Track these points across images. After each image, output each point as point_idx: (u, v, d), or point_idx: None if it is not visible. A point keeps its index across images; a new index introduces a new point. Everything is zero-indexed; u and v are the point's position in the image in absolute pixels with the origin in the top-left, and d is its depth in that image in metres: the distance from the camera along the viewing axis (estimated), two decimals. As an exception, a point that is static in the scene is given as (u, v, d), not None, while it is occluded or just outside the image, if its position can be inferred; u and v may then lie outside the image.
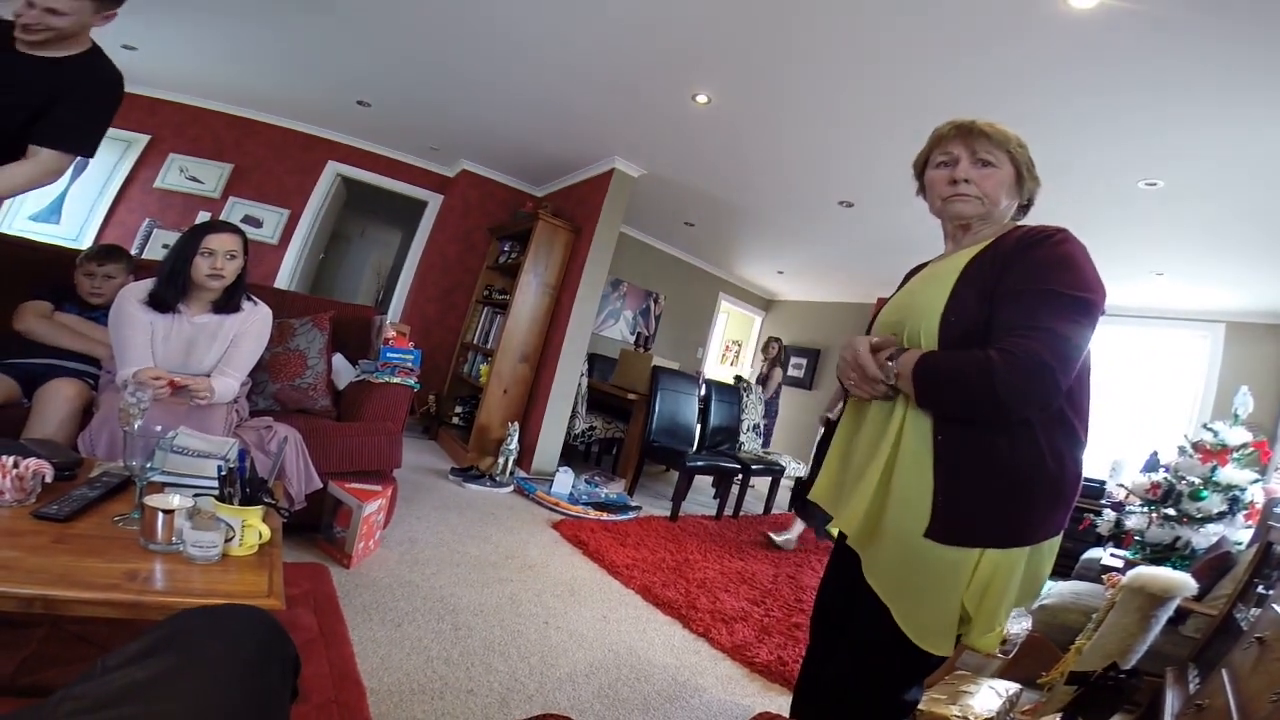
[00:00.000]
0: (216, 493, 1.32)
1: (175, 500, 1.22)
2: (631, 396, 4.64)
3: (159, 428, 1.44)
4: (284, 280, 5.18)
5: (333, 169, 5.37)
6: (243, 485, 1.36)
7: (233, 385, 2.07)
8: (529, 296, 4.61)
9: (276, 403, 2.47)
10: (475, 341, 5.10)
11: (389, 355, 2.75)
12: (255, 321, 2.15)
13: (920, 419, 1.05)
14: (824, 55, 2.68)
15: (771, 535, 3.04)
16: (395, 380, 2.72)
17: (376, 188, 5.61)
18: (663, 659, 2.02)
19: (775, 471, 4.62)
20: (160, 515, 1.17)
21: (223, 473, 1.36)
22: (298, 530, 2.17)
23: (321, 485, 2.16)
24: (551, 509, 3.58)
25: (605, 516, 3.62)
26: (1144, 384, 4.48)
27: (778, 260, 6.51)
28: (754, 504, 4.68)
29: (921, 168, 1.25)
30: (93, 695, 0.51)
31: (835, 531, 1.31)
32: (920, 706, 1.26)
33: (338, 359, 2.77)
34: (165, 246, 4.55)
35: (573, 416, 4.71)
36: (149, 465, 1.34)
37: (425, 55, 3.61)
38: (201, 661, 0.57)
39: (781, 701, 1.86)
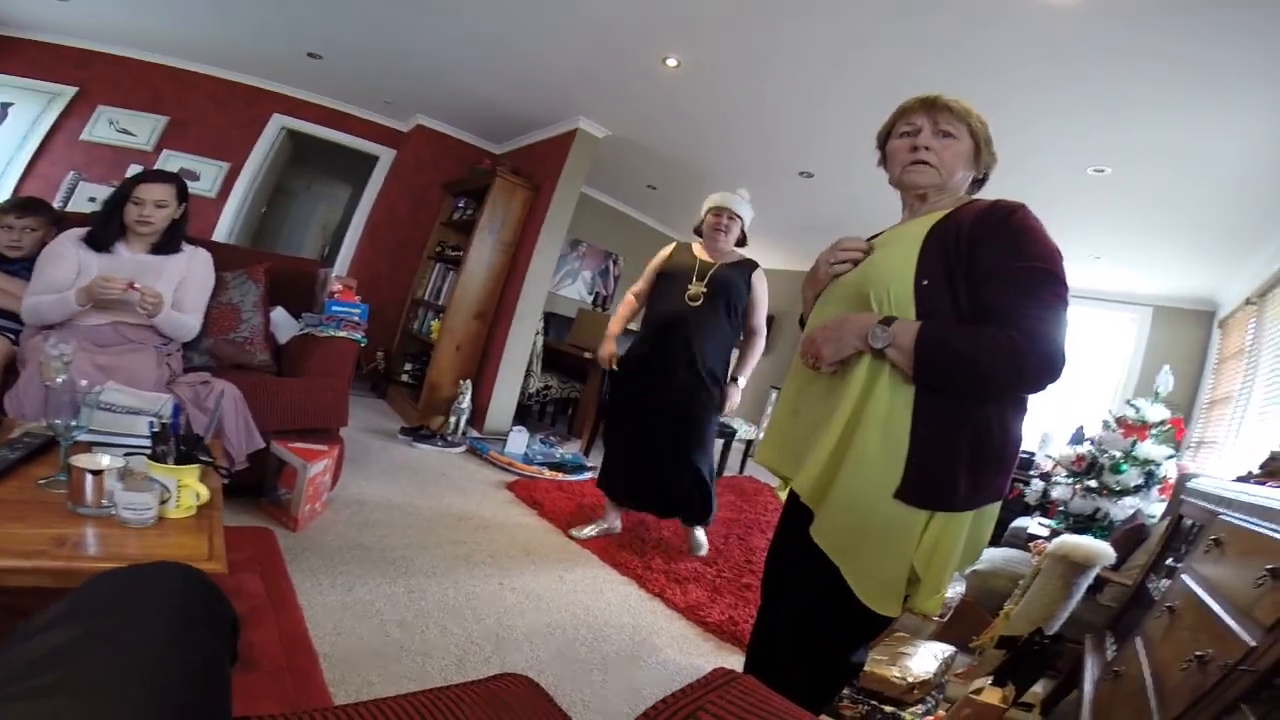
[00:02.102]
0: (149, 451, 1.25)
1: (105, 460, 1.15)
2: (588, 356, 4.60)
3: (84, 383, 1.33)
4: (222, 234, 4.96)
5: (278, 122, 5.18)
6: (178, 443, 1.29)
7: (193, 323, 2.14)
8: (484, 254, 4.48)
9: (212, 358, 2.33)
10: (426, 298, 4.95)
11: (334, 309, 2.63)
12: (198, 264, 2.19)
13: (898, 382, 1.05)
14: (798, 29, 2.66)
15: (572, 532, 2.68)
16: (341, 334, 2.61)
17: (325, 141, 5.40)
18: (619, 619, 2.05)
19: (727, 435, 4.70)
20: (89, 477, 1.10)
21: (155, 430, 1.28)
22: (240, 493, 2.08)
23: (263, 444, 2.07)
24: (505, 469, 3.55)
25: (560, 477, 3.61)
26: (1075, 361, 4.69)
27: (738, 226, 6.51)
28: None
29: (884, 139, 1.28)
30: (7, 666, 0.48)
31: (783, 495, 1.33)
32: (864, 668, 1.31)
33: (278, 312, 2.63)
34: (92, 200, 4.39)
35: (527, 375, 4.65)
36: (74, 424, 1.24)
37: (382, 6, 3.42)
38: (122, 624, 0.54)
39: (734, 660, 1.91)
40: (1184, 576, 1.29)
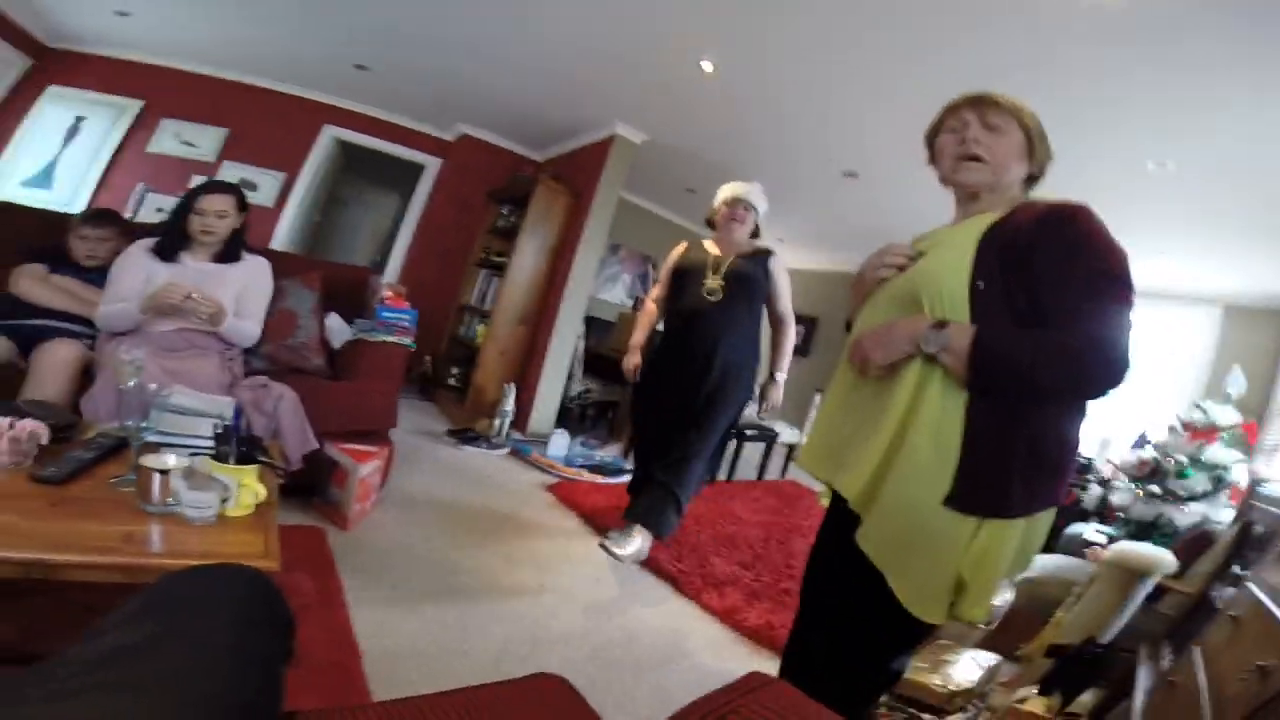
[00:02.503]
0: (212, 452, 1.31)
1: (171, 460, 1.20)
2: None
3: (154, 386, 1.42)
4: (280, 243, 5.16)
5: (329, 133, 5.37)
6: (238, 444, 1.34)
7: (253, 330, 2.23)
8: (527, 259, 4.57)
9: (271, 363, 2.45)
10: (472, 303, 5.07)
11: (384, 314, 2.73)
12: (258, 272, 2.30)
13: (950, 387, 1.02)
14: (834, 23, 2.61)
15: (610, 547, 2.23)
16: (391, 339, 2.71)
17: (373, 151, 5.58)
18: (653, 621, 2.06)
19: (768, 438, 4.65)
20: (156, 476, 1.16)
21: (218, 431, 1.35)
22: (294, 493, 2.17)
23: (318, 446, 2.16)
24: (546, 471, 3.61)
25: (600, 479, 3.65)
26: (1139, 362, 4.45)
27: (778, 228, 6.44)
28: (747, 470, 4.73)
29: (932, 136, 1.25)
30: (82, 659, 0.51)
31: (826, 501, 1.32)
32: (904, 675, 1.28)
33: (332, 318, 2.74)
34: (159, 210, 4.60)
35: (569, 379, 4.71)
36: (144, 425, 1.32)
37: (426, 18, 3.52)
38: (189, 623, 0.57)
39: (769, 666, 1.89)
40: (1251, 585, 1.23)
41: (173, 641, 0.54)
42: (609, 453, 4.18)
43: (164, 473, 1.17)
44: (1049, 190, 1.18)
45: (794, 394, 7.21)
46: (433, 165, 5.67)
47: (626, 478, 3.72)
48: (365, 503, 2.29)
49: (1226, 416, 2.95)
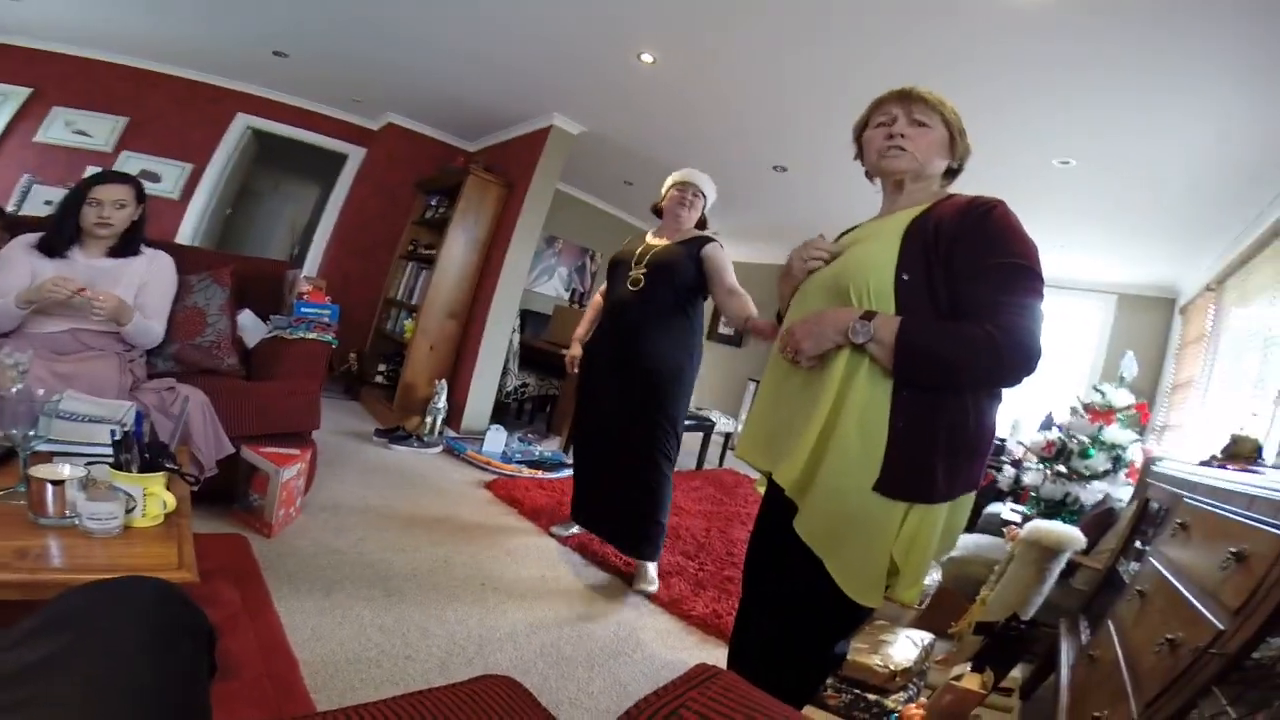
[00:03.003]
0: (112, 460, 1.21)
1: (65, 470, 1.11)
2: (564, 352, 4.54)
3: (41, 391, 1.29)
4: (186, 237, 4.84)
5: (242, 121, 5.07)
6: (142, 451, 1.26)
7: (157, 329, 2.08)
8: (457, 252, 4.43)
9: (177, 363, 2.27)
10: (399, 297, 4.88)
11: (303, 310, 2.58)
12: (159, 267, 2.13)
13: (877, 376, 1.06)
14: (769, 23, 2.66)
15: (553, 529, 2.61)
16: (311, 336, 2.56)
17: (292, 140, 5.30)
18: (602, 615, 2.04)
19: (705, 427, 4.71)
20: (49, 487, 1.07)
21: (117, 438, 1.25)
22: (211, 500, 2.03)
23: (233, 450, 2.02)
24: (483, 468, 3.52)
25: (540, 474, 3.59)
26: (1045, 349, 4.79)
27: (714, 222, 6.51)
28: (686, 460, 4.78)
29: (860, 130, 1.30)
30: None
31: (763, 489, 1.34)
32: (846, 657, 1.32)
33: (245, 315, 2.57)
34: (47, 203, 4.25)
35: (504, 374, 4.61)
36: (32, 433, 1.20)
37: (351, 3, 3.35)
38: (99, 638, 0.53)
39: (718, 653, 1.92)
40: (1152, 560, 1.31)
41: (84, 656, 0.50)
42: (548, 447, 4.12)
43: (58, 483, 1.07)
44: (965, 184, 1.25)
45: (728, 383, 7.37)
46: (356, 155, 5.43)
47: (567, 472, 3.69)
48: (289, 508, 2.16)
49: (1122, 398, 3.20)
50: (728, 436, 5.23)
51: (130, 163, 4.64)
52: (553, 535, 2.62)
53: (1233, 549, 0.88)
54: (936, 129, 1.20)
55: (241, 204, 5.90)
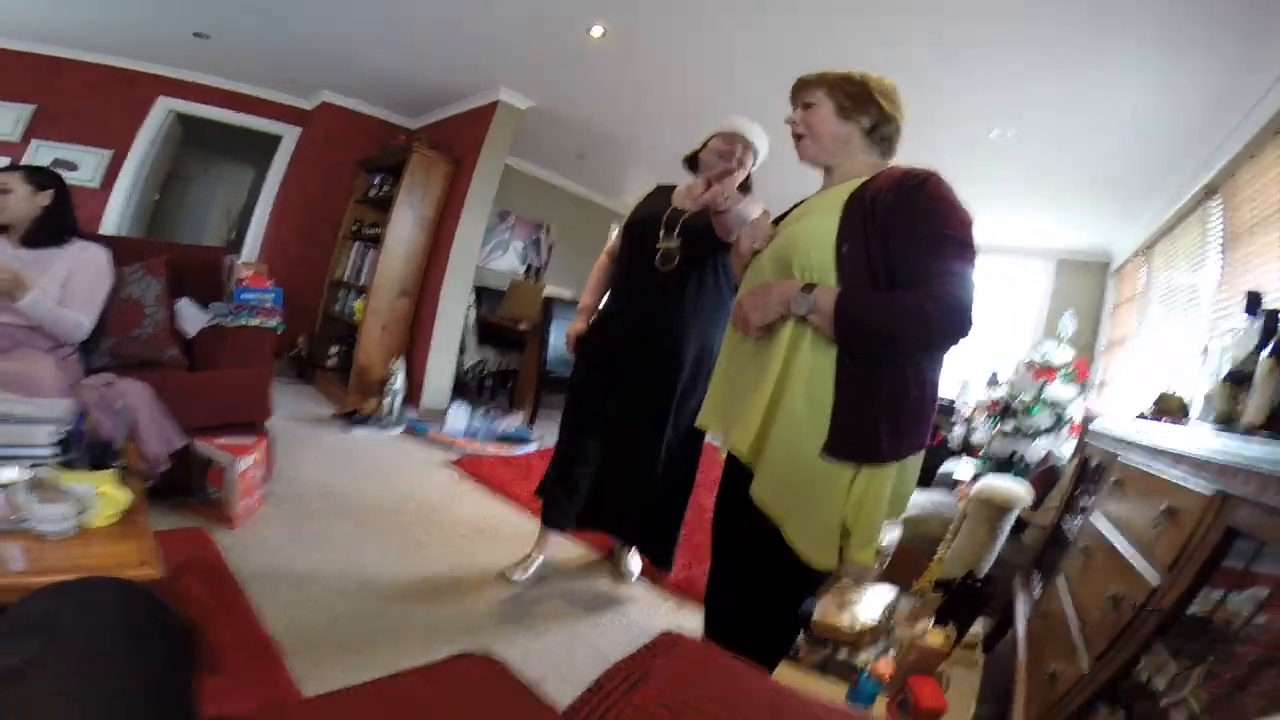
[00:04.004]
0: (58, 461, 1.16)
1: (11, 473, 1.09)
2: (523, 327, 4.54)
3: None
4: (110, 226, 4.57)
5: (165, 105, 4.78)
6: (87, 450, 1.26)
7: (80, 319, 1.95)
8: (404, 230, 4.33)
9: (116, 358, 2.16)
10: (346, 278, 4.73)
11: (244, 296, 2.51)
12: (87, 258, 2.01)
13: (820, 345, 1.11)
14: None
15: (512, 577, 2.01)
16: (254, 323, 2.49)
17: (220, 123, 5.02)
18: (579, 585, 2.08)
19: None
20: None
21: (59, 438, 1.20)
22: (168, 495, 1.97)
23: (185, 443, 1.95)
24: (447, 447, 3.49)
25: (505, 450, 3.58)
26: (990, 309, 5.00)
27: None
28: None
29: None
30: None
31: (724, 454, 1.38)
32: (815, 615, 1.38)
33: (184, 304, 2.47)
34: None
35: (462, 351, 4.55)
36: (-35, 438, 1.13)
37: None
38: (68, 642, 0.52)
39: (695, 618, 1.93)
40: (1093, 517, 1.34)
41: (54, 663, 0.49)
42: (511, 422, 4.10)
43: (3, 487, 1.02)
44: (903, 156, 1.29)
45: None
46: (291, 135, 5.17)
47: (532, 447, 3.69)
48: (250, 498, 2.10)
49: (1062, 356, 3.37)
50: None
51: (42, 151, 4.37)
52: (513, 582, 2.02)
53: (1163, 505, 0.92)
54: (822, 102, 1.25)
55: (170, 190, 5.61)
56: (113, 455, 1.36)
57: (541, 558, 2.09)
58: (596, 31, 3.13)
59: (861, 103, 1.23)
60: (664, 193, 2.03)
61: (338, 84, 4.83)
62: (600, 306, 2.16)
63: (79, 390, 1.78)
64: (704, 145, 1.96)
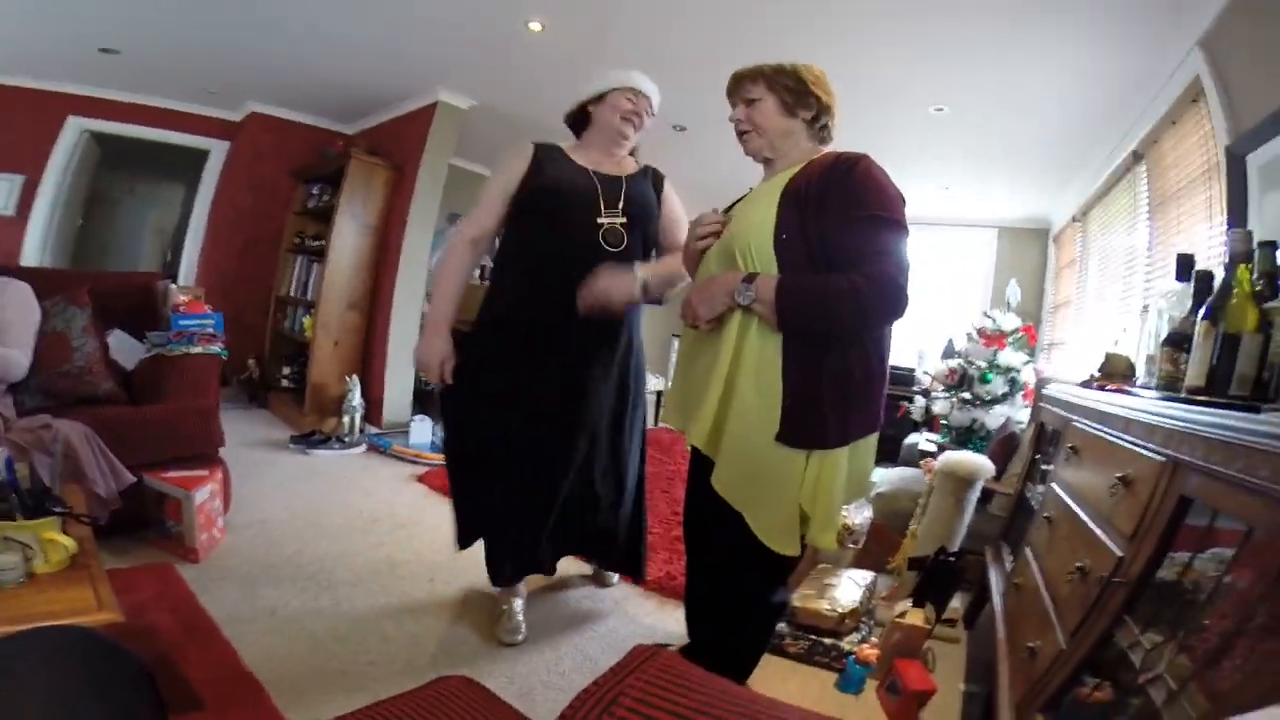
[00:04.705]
0: None
1: None
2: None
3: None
4: (33, 257, 4.27)
5: (76, 125, 4.47)
6: (21, 498, 1.20)
7: (20, 359, 1.90)
8: (347, 240, 4.18)
9: (49, 397, 2.04)
10: (292, 294, 4.57)
11: (182, 323, 2.41)
12: (12, 294, 1.95)
13: (766, 334, 1.13)
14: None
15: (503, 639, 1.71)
16: (196, 350, 2.39)
17: (140, 140, 4.73)
18: (560, 593, 2.06)
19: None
20: None
21: None
22: (123, 532, 1.89)
23: (134, 479, 1.85)
24: (413, 461, 3.42)
25: (472, 462, 3.52)
26: (937, 281, 5.12)
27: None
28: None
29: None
30: None
31: (689, 446, 1.38)
32: (796, 604, 1.40)
33: (115, 336, 2.36)
34: None
35: (421, 360, 4.43)
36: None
37: None
38: (36, 689, 0.51)
39: (677, 614, 1.89)
40: (1053, 485, 1.34)
41: (28, 709, 0.49)
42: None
43: None
44: (844, 139, 1.32)
45: (653, 342, 7.40)
46: (219, 149, 4.93)
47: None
48: (211, 530, 2.03)
49: (1010, 322, 3.50)
50: (659, 394, 5.31)
51: (-56, 181, 4.01)
52: (516, 644, 1.72)
53: (1118, 474, 0.91)
54: (765, 98, 1.27)
55: (95, 213, 5.27)
56: (51, 501, 1.30)
57: (519, 600, 1.79)
58: (535, 26, 3.08)
59: (802, 96, 1.26)
60: (558, 154, 1.73)
61: (264, 94, 4.61)
62: (490, 303, 1.77)
63: (13, 433, 1.69)
64: (600, 98, 1.74)
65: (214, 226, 4.85)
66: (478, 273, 5.82)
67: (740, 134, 1.31)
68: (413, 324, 4.32)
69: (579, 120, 1.80)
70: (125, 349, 2.37)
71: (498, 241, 1.84)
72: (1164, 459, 0.81)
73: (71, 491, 1.55)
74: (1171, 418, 0.80)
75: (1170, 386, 1.03)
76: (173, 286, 2.61)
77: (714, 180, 5.38)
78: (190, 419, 2.25)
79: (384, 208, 4.31)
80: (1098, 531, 0.96)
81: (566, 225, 1.64)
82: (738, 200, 1.39)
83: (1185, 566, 0.73)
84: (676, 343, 6.85)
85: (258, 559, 2.01)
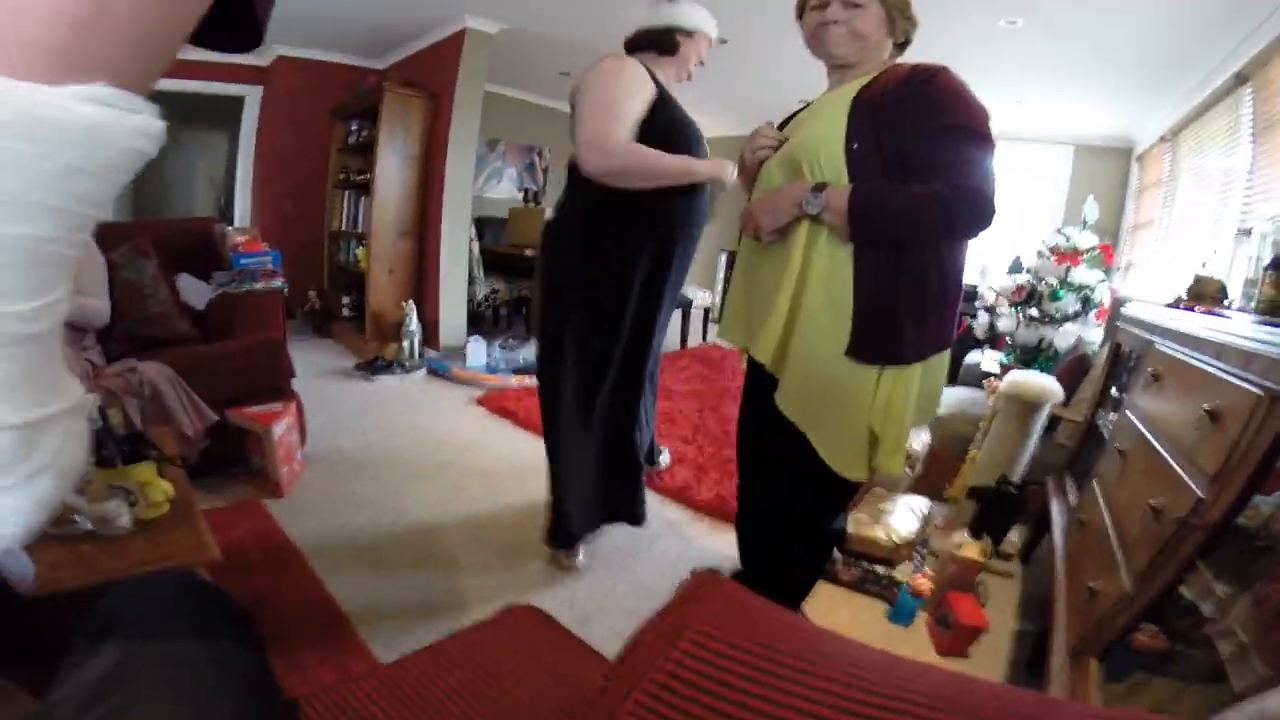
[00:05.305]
0: (91, 462, 1.18)
1: None
2: (529, 253, 4.54)
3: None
4: None
5: None
6: (118, 444, 1.22)
7: (102, 307, 2.00)
8: (391, 172, 4.21)
9: (132, 344, 2.17)
10: (344, 228, 4.67)
11: (243, 262, 2.51)
12: None
13: (837, 243, 1.08)
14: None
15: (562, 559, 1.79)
16: (258, 287, 2.49)
17: (177, 92, 4.73)
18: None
19: (684, 304, 4.72)
20: None
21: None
22: (214, 470, 2.03)
23: (217, 418, 1.98)
24: (471, 384, 3.53)
25: (528, 381, 3.61)
26: (1007, 196, 4.79)
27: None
28: (670, 339, 4.81)
29: (800, 12, 1.24)
30: (70, 700, 0.49)
31: (744, 363, 1.36)
32: (850, 529, 1.39)
33: (184, 279, 2.47)
34: None
35: (471, 284, 4.53)
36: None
37: None
38: (155, 640, 0.55)
39: (728, 537, 1.92)
40: (1129, 413, 1.27)
41: (151, 662, 0.53)
42: (531, 351, 4.12)
43: None
44: (909, 53, 1.22)
45: (700, 255, 7.27)
46: (254, 94, 4.94)
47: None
48: (291, 463, 2.16)
49: (1086, 240, 3.24)
50: (706, 311, 5.27)
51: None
52: (570, 566, 1.80)
53: (1206, 406, 0.84)
54: (871, 8, 1.14)
55: (145, 169, 5.39)
56: (146, 445, 1.37)
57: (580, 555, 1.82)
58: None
59: (904, 17, 1.17)
60: (659, 80, 1.63)
61: (288, 36, 4.56)
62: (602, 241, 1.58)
63: (103, 378, 1.80)
64: (690, 33, 1.72)
65: (260, 169, 4.95)
66: (521, 194, 5.89)
67: (823, 36, 1.17)
68: (462, 248, 4.37)
69: (660, 42, 1.69)
70: (194, 291, 2.48)
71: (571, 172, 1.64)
72: (1261, 391, 0.73)
73: (161, 434, 1.63)
74: (1274, 345, 0.73)
75: (1272, 311, 0.94)
76: (229, 229, 2.69)
77: (761, 93, 5.08)
78: (261, 352, 2.36)
79: (424, 137, 4.29)
80: (1176, 468, 0.90)
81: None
82: (791, 115, 1.31)
83: (1272, 513, 0.68)
84: (724, 258, 6.69)
85: (336, 489, 2.15)
